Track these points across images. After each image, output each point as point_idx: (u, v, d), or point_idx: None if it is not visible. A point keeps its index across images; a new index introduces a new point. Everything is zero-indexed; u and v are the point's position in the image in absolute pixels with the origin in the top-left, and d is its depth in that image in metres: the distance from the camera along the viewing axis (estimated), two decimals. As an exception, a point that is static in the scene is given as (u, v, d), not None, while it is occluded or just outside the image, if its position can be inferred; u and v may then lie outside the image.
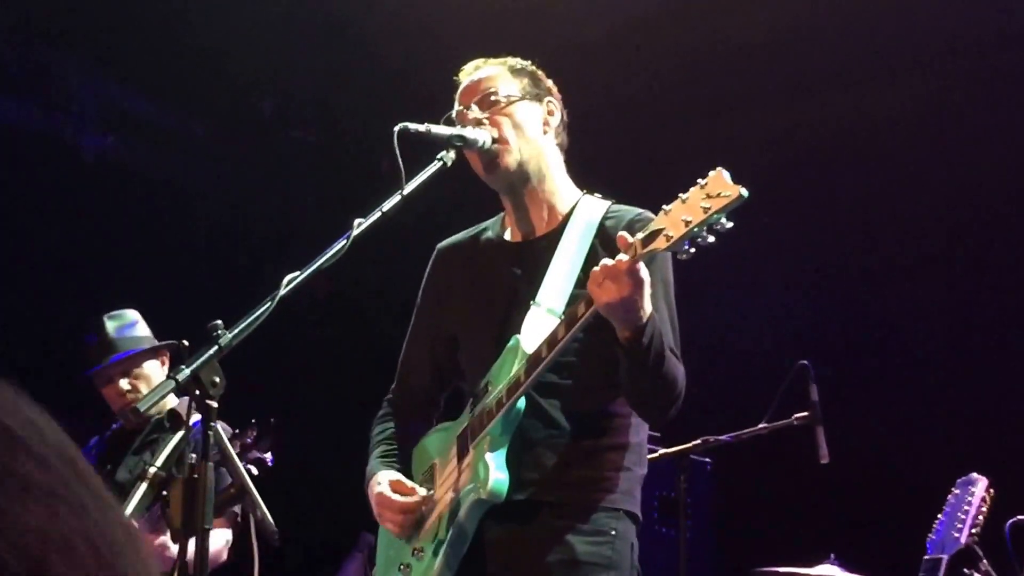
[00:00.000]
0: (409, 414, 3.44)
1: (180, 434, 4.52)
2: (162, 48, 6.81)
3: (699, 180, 2.72)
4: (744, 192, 2.64)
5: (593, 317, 2.88)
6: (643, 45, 6.60)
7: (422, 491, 3.18)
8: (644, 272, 2.79)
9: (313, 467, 7.38)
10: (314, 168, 7.78)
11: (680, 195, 2.74)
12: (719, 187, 2.67)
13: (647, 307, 2.84)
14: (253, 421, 4.19)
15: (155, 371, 4.78)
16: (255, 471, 4.26)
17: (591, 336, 3.00)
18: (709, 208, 2.67)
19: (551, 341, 2.97)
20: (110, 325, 4.78)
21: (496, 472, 3.01)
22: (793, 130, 6.58)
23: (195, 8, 6.65)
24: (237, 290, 6.90)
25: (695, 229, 2.69)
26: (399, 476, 3.24)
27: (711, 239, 2.71)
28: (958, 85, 6.37)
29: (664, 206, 2.77)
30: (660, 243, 2.74)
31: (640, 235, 2.79)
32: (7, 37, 6.80)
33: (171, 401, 4.63)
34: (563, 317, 3.00)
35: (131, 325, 4.83)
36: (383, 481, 3.22)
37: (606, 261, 2.80)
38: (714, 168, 2.72)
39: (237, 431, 4.18)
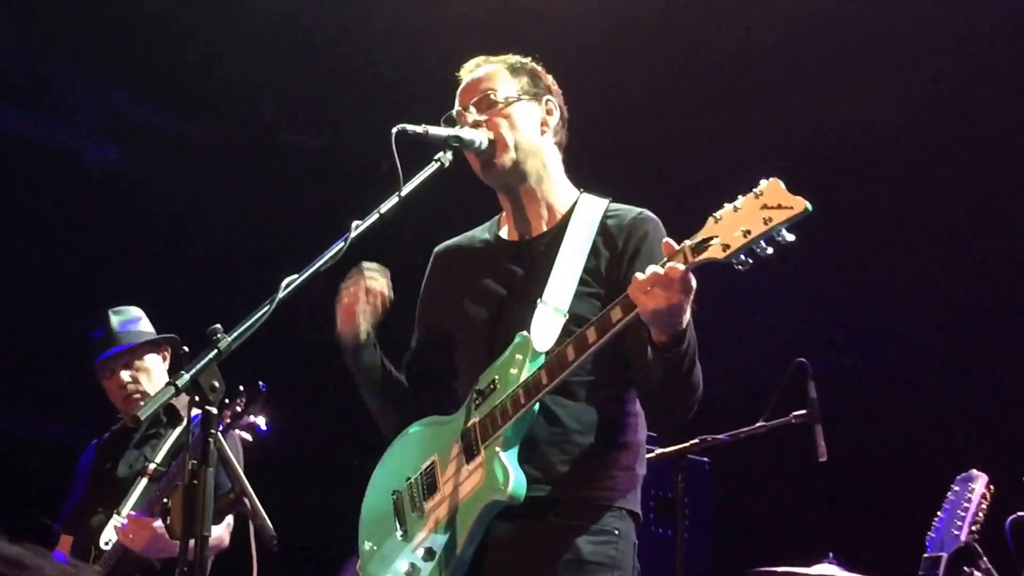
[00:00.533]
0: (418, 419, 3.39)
1: (179, 428, 4.55)
2: (163, 56, 6.85)
3: (754, 189, 2.66)
4: (809, 206, 2.60)
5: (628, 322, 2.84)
6: (643, 45, 6.60)
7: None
8: (693, 280, 2.76)
9: (312, 469, 7.39)
10: (314, 172, 7.80)
11: (731, 203, 2.69)
12: (779, 198, 2.63)
13: (688, 313, 2.82)
14: (242, 388, 4.20)
15: (156, 365, 4.81)
16: (249, 437, 4.27)
17: None
18: (771, 220, 2.62)
19: (580, 345, 2.92)
20: (114, 319, 4.83)
21: (516, 474, 2.99)
22: (792, 129, 6.58)
23: (195, 16, 6.68)
24: (237, 294, 6.93)
25: (754, 240, 2.65)
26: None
27: (770, 251, 2.65)
28: (959, 83, 6.37)
29: (714, 213, 2.70)
30: (716, 252, 2.69)
31: (690, 242, 2.74)
32: (9, 48, 6.81)
33: (168, 394, 4.64)
34: (593, 320, 2.93)
35: (135, 320, 4.88)
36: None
37: (655, 268, 2.75)
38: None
39: (226, 400, 4.17)
